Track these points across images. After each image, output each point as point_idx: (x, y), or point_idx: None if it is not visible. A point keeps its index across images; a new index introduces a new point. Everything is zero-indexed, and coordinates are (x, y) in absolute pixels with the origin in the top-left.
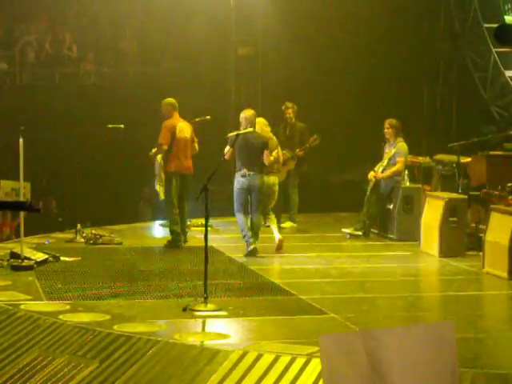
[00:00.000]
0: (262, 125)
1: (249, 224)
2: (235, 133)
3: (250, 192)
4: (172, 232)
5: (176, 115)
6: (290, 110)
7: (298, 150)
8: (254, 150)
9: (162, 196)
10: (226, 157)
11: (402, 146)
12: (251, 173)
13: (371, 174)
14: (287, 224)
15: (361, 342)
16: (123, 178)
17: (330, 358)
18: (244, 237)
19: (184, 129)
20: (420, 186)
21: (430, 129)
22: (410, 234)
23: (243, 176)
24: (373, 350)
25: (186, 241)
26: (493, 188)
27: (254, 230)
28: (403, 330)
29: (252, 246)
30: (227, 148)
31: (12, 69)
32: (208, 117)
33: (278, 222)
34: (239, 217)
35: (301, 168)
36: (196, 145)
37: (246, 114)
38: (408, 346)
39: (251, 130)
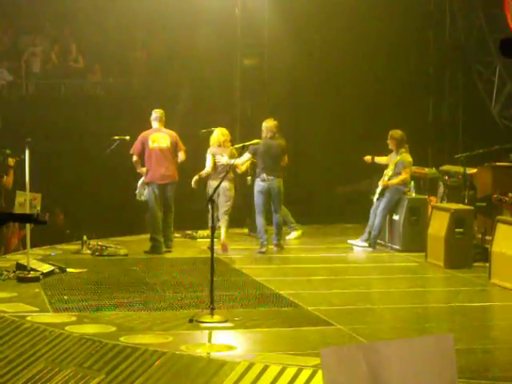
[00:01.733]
0: (224, 136)
1: (265, 226)
2: (241, 144)
3: (269, 195)
4: (152, 239)
5: (156, 125)
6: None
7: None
8: (274, 156)
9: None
10: (242, 167)
11: (404, 157)
12: (270, 177)
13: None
14: (294, 234)
15: (362, 354)
16: (129, 189)
17: (332, 370)
18: (260, 238)
19: (158, 139)
20: (426, 197)
21: (436, 140)
22: (416, 245)
23: (263, 180)
24: (374, 362)
25: (169, 249)
26: (503, 194)
27: (277, 230)
28: (404, 343)
29: (265, 248)
30: (247, 156)
31: (18, 80)
32: (214, 128)
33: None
34: (258, 218)
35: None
36: (182, 153)
37: (267, 123)
38: (408, 359)
39: (257, 141)
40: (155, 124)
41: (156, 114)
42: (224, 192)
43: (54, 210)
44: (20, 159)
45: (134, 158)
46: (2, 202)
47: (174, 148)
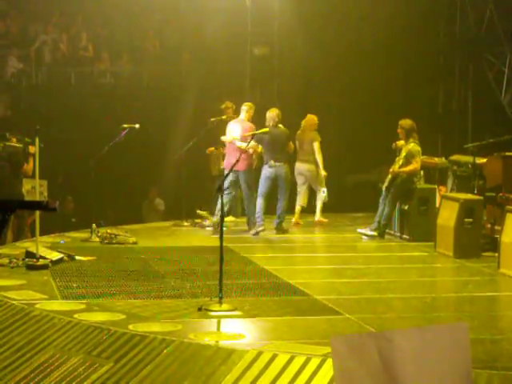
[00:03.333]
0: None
1: (264, 208)
2: (250, 133)
3: (276, 181)
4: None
5: (241, 116)
6: (230, 110)
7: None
8: (280, 143)
9: None
10: (251, 151)
11: (412, 147)
12: (277, 163)
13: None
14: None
15: (373, 343)
16: (138, 177)
17: (342, 358)
18: (257, 218)
19: (233, 129)
20: (436, 186)
21: (446, 129)
22: (426, 235)
23: (270, 166)
24: (385, 351)
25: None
26: (509, 190)
27: (280, 214)
28: (416, 331)
29: (261, 228)
30: (252, 143)
31: (28, 68)
32: (224, 117)
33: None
34: (259, 200)
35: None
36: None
37: (270, 112)
38: (421, 348)
39: (266, 129)
40: (241, 115)
41: (244, 106)
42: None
43: (66, 197)
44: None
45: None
46: (22, 190)
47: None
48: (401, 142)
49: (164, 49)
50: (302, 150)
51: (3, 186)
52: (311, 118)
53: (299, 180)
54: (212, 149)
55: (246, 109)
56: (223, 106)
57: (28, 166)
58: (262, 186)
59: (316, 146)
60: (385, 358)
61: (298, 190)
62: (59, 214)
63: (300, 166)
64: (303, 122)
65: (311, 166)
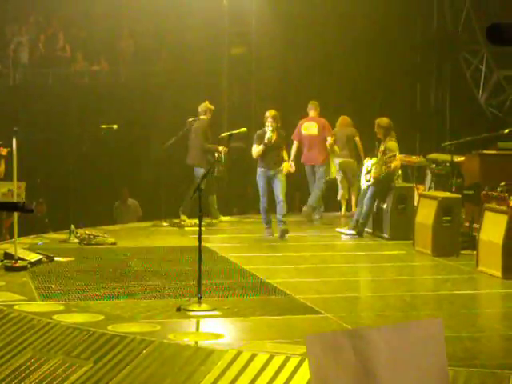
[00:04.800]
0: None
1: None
2: (228, 133)
3: (270, 182)
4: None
5: (310, 114)
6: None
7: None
8: (273, 146)
9: None
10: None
11: (391, 145)
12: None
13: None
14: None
15: (348, 340)
16: (115, 177)
17: (317, 357)
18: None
19: (310, 126)
20: (413, 185)
21: (424, 128)
22: (404, 234)
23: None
24: (361, 348)
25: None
26: (489, 188)
27: (279, 216)
28: (391, 328)
29: (268, 231)
30: (257, 147)
31: (5, 70)
32: (203, 117)
33: None
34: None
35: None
36: (330, 138)
37: (267, 113)
38: (396, 344)
39: (244, 129)
40: (310, 113)
41: (310, 105)
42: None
43: (38, 199)
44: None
45: (296, 143)
46: None
47: (321, 134)
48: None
49: (141, 49)
50: (341, 146)
51: None
52: (345, 118)
53: (339, 175)
54: (225, 149)
55: (313, 107)
56: (203, 108)
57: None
58: (260, 189)
59: (358, 140)
60: (360, 355)
61: (340, 185)
62: (33, 215)
63: (339, 161)
64: (338, 122)
65: (350, 160)
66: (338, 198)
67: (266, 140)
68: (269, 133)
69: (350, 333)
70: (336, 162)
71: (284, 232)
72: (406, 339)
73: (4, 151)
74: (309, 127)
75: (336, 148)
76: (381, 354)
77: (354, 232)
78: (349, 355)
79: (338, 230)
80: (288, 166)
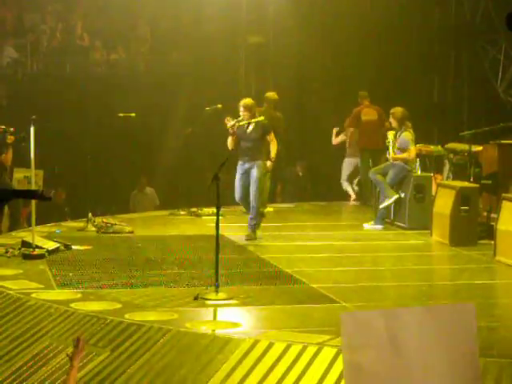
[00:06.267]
0: None
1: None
2: (246, 122)
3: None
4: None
5: (365, 102)
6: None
7: None
8: (249, 138)
9: None
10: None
11: (405, 135)
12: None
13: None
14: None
15: (382, 320)
16: (133, 166)
17: (350, 334)
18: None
19: (369, 112)
20: (431, 174)
21: (442, 117)
22: (422, 223)
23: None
24: (393, 328)
25: None
26: (506, 178)
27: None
28: (424, 310)
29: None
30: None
31: (23, 58)
32: (219, 105)
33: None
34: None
35: None
36: (387, 124)
37: (241, 102)
38: (428, 326)
39: (262, 118)
40: (365, 101)
41: (363, 93)
42: None
43: (57, 188)
44: (19, 138)
45: (351, 129)
46: (7, 179)
47: (380, 120)
48: (391, 133)
49: (159, 38)
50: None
51: None
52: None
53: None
54: None
55: (366, 95)
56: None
57: (6, 156)
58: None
59: None
60: (392, 334)
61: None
62: (52, 203)
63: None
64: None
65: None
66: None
67: (229, 125)
68: (231, 122)
69: (383, 312)
70: (347, 162)
71: (247, 237)
72: (438, 322)
73: (10, 139)
74: (368, 113)
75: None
76: (412, 334)
77: (382, 226)
78: (381, 334)
79: (366, 226)
80: (270, 164)
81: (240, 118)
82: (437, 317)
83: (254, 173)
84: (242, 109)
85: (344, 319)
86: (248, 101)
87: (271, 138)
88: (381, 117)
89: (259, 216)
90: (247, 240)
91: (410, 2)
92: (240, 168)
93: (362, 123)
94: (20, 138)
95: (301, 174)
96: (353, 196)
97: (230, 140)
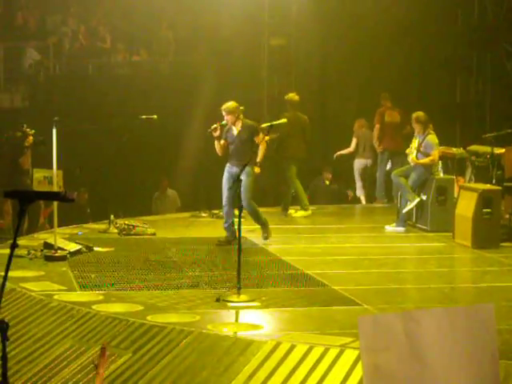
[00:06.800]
0: None
1: None
2: (269, 123)
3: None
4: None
5: (386, 104)
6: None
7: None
8: (237, 141)
9: None
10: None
11: (430, 138)
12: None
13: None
14: (300, 213)
15: (400, 322)
16: (154, 168)
17: (369, 338)
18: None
19: (392, 114)
20: (454, 177)
21: (464, 120)
22: (444, 226)
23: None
24: (412, 330)
25: None
26: None
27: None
28: (443, 312)
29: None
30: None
31: (46, 60)
32: (241, 107)
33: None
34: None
35: (296, 156)
36: (408, 127)
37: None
38: (447, 328)
39: (285, 120)
40: (387, 103)
41: (385, 95)
42: None
43: (79, 189)
44: (38, 141)
45: (377, 126)
46: (28, 180)
47: (403, 122)
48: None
49: (181, 39)
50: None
51: (7, 176)
52: (363, 120)
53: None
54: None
55: (388, 96)
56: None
57: (24, 159)
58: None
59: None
60: (411, 337)
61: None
62: (74, 205)
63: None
64: (357, 124)
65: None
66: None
67: (209, 130)
68: (214, 125)
69: (402, 315)
70: (357, 163)
71: (220, 242)
72: (456, 323)
73: (29, 141)
74: (392, 115)
75: None
76: (431, 337)
77: (403, 228)
78: (400, 337)
79: (388, 229)
80: (257, 169)
81: (223, 122)
82: (455, 318)
83: (244, 181)
84: (223, 113)
85: (362, 322)
86: (230, 105)
87: (259, 140)
88: (403, 119)
89: (265, 224)
90: (219, 245)
91: (432, 3)
92: (228, 171)
93: (384, 124)
94: (38, 142)
95: (327, 182)
96: (363, 201)
97: (217, 145)
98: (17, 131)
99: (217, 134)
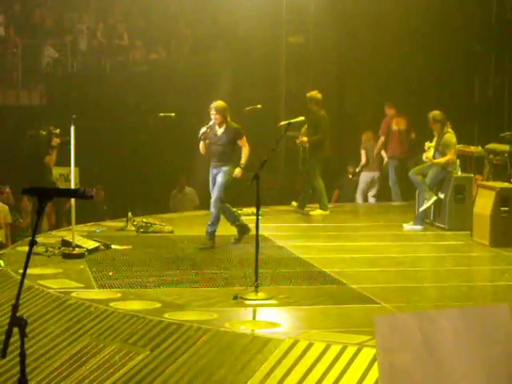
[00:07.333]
0: None
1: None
2: (287, 122)
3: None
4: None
5: (391, 112)
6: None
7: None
8: (219, 141)
9: None
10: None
11: (448, 137)
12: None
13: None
14: (317, 212)
15: (416, 322)
16: (172, 166)
17: (385, 337)
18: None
19: (400, 122)
20: (472, 175)
21: (482, 118)
22: (462, 224)
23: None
24: (428, 330)
25: None
26: None
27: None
28: (459, 312)
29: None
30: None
31: (63, 58)
32: (259, 106)
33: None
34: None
35: (318, 155)
36: (412, 134)
37: (212, 104)
38: (463, 328)
39: (302, 118)
40: (391, 111)
41: (389, 104)
42: None
43: (96, 186)
44: (65, 141)
45: (382, 138)
46: (52, 179)
47: (408, 130)
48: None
49: (199, 37)
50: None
51: (31, 175)
52: (370, 133)
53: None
54: (305, 139)
55: (392, 104)
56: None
57: (50, 158)
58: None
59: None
60: (427, 337)
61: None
62: (91, 202)
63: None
64: (364, 137)
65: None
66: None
67: (200, 132)
68: (203, 128)
69: (417, 315)
70: (363, 176)
71: (204, 246)
72: (472, 324)
73: (56, 142)
74: (399, 123)
75: None
76: (447, 337)
77: (421, 227)
78: (415, 337)
79: (406, 227)
80: (239, 170)
81: (211, 123)
82: (471, 318)
83: (219, 178)
84: (214, 111)
85: (378, 322)
86: (221, 104)
87: (243, 143)
88: (409, 126)
89: (217, 223)
90: (202, 249)
91: (450, 2)
92: (210, 173)
93: (392, 132)
94: (65, 142)
95: (351, 176)
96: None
97: (201, 144)
98: (41, 130)
99: (206, 136)
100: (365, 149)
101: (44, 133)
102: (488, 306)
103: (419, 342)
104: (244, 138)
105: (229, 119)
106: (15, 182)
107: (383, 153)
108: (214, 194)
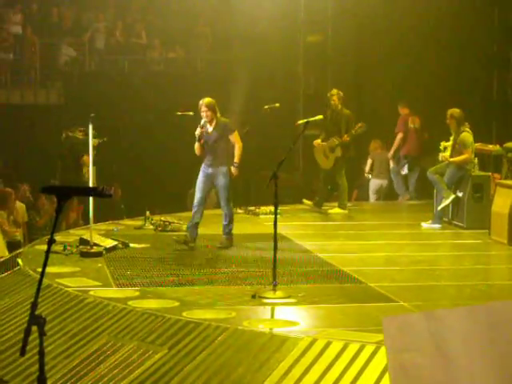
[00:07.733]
0: None
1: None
2: (305, 120)
3: (212, 181)
4: None
5: (405, 111)
6: (335, 97)
7: (345, 136)
8: (212, 139)
9: None
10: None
11: (465, 136)
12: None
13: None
14: (336, 210)
15: (424, 322)
16: (190, 164)
17: (394, 338)
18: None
19: (415, 121)
20: (490, 174)
21: (500, 117)
22: (480, 223)
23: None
24: (436, 330)
25: None
26: None
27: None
28: (466, 310)
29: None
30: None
31: (81, 56)
32: (277, 104)
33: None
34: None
35: (346, 155)
36: (425, 134)
37: (201, 101)
38: (471, 326)
39: (321, 116)
40: (405, 110)
41: (403, 102)
42: None
43: (113, 185)
44: (103, 142)
45: (400, 135)
46: (87, 177)
47: (422, 129)
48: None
49: (217, 36)
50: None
51: (67, 173)
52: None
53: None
54: (319, 141)
55: (406, 103)
56: (328, 94)
57: (86, 158)
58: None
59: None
60: (436, 336)
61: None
62: (108, 201)
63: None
64: (372, 146)
65: None
66: None
67: (196, 133)
68: (198, 129)
69: (425, 314)
70: (371, 185)
71: (222, 245)
72: (480, 322)
73: (95, 142)
74: (414, 121)
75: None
76: (456, 336)
77: (440, 225)
78: (424, 336)
79: (424, 226)
80: (234, 170)
81: (203, 121)
82: (479, 317)
83: (221, 181)
84: (204, 108)
85: (386, 323)
86: (208, 100)
87: (235, 138)
88: (422, 126)
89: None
90: (220, 247)
91: (468, 2)
92: (203, 171)
93: (408, 130)
94: (103, 142)
95: (370, 176)
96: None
97: (196, 145)
98: (77, 131)
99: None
100: (372, 158)
101: (80, 135)
102: (495, 303)
103: (428, 342)
104: (236, 133)
105: (218, 115)
106: (34, 181)
107: (390, 154)
108: (222, 196)
